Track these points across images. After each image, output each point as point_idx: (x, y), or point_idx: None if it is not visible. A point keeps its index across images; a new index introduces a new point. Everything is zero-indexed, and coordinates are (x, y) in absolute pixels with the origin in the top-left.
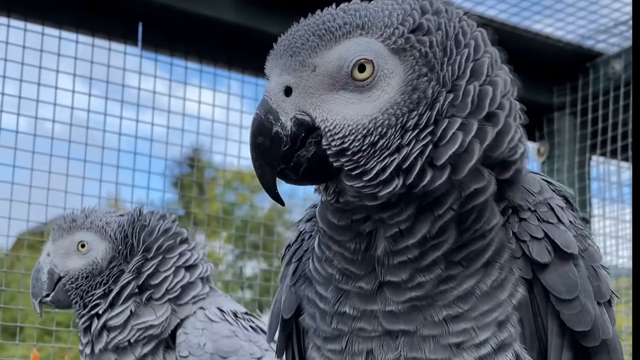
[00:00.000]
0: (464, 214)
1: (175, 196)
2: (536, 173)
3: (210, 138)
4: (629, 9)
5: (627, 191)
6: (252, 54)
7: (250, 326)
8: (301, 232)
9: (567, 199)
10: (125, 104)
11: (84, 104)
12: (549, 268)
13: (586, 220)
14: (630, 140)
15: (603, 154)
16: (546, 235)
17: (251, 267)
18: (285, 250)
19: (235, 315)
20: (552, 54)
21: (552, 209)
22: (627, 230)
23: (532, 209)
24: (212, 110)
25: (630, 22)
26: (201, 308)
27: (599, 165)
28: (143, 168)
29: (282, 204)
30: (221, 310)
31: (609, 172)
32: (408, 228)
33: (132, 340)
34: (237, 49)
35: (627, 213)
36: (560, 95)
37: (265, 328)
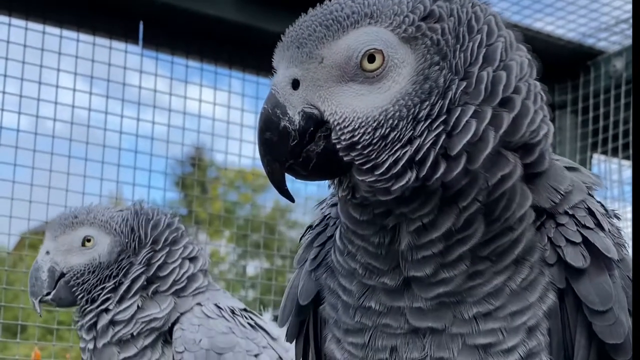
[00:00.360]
0: (492, 203)
1: (178, 195)
2: (567, 167)
3: (211, 137)
4: (630, 6)
5: (628, 189)
6: (252, 53)
7: (248, 323)
8: (325, 216)
9: (603, 205)
10: (126, 102)
11: (84, 103)
12: (584, 278)
13: (618, 218)
14: (631, 138)
15: (604, 152)
16: (585, 240)
17: (253, 267)
18: (305, 231)
19: (232, 312)
20: (553, 53)
21: (591, 213)
22: (629, 229)
23: (570, 212)
24: (212, 109)
25: (631, 20)
26: (198, 304)
27: (600, 163)
28: (144, 167)
29: (292, 200)
30: (218, 307)
31: (610, 171)
32: (431, 221)
33: (135, 333)
34: (238, 48)
35: (629, 212)
36: (562, 93)
37: (265, 326)
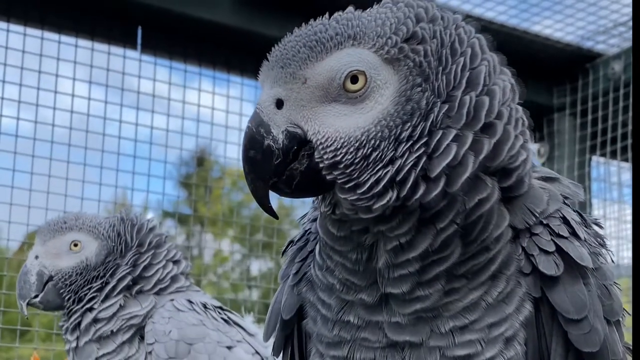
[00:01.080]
0: (469, 225)
1: (181, 196)
2: (545, 177)
3: (210, 141)
4: (629, 10)
5: (628, 192)
6: (250, 57)
7: (222, 318)
8: (306, 231)
9: (580, 214)
10: (125, 107)
11: (83, 108)
12: (558, 286)
13: (600, 226)
14: (630, 141)
15: (603, 155)
16: (558, 249)
17: (258, 267)
18: (287, 246)
19: (205, 306)
20: (551, 55)
21: (565, 222)
22: (628, 231)
23: (545, 222)
24: (211, 113)
25: (630, 23)
26: (171, 300)
27: (599, 166)
28: (143, 171)
29: (276, 217)
30: (190, 301)
31: (609, 173)
32: (409, 241)
33: (114, 330)
34: (236, 52)
35: (628, 214)
36: (560, 96)
37: (241, 322)
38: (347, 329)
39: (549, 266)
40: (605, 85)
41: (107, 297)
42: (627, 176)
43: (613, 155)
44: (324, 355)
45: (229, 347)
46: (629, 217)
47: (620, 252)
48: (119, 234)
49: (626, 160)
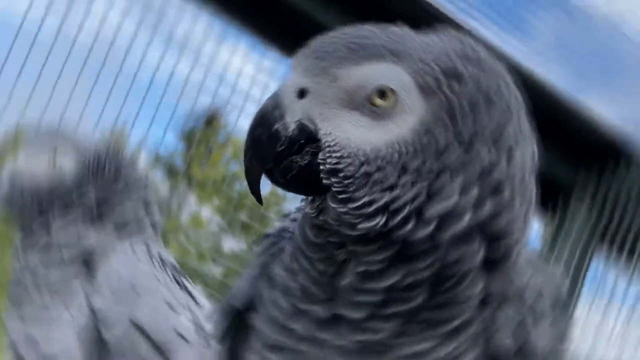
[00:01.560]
0: (442, 277)
1: (179, 148)
2: (533, 259)
3: (227, 103)
4: None
5: (619, 296)
6: (294, 36)
7: (175, 279)
8: (283, 228)
9: (557, 299)
10: (154, 43)
11: (111, 32)
12: None
13: (571, 321)
14: None
15: (608, 252)
16: (520, 325)
17: (230, 245)
18: (261, 240)
19: (162, 260)
20: (588, 133)
21: (536, 301)
22: (606, 335)
23: (516, 297)
24: (236, 77)
25: None
26: (130, 244)
27: (599, 263)
28: (151, 111)
29: (261, 202)
30: (150, 252)
31: (606, 274)
32: (379, 271)
33: (63, 250)
34: (282, 26)
35: (611, 320)
36: (584, 179)
37: (192, 291)
38: (290, 337)
39: (506, 341)
40: (630, 183)
41: (65, 216)
42: (622, 283)
43: (619, 254)
44: (262, 355)
45: (174, 309)
46: (612, 324)
47: (594, 349)
48: (99, 160)
49: (629, 265)
